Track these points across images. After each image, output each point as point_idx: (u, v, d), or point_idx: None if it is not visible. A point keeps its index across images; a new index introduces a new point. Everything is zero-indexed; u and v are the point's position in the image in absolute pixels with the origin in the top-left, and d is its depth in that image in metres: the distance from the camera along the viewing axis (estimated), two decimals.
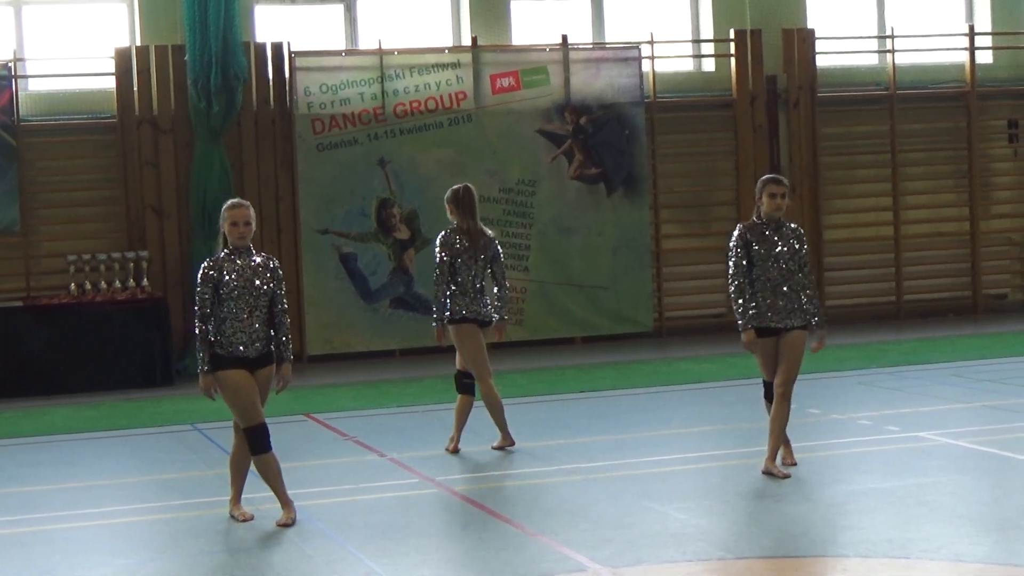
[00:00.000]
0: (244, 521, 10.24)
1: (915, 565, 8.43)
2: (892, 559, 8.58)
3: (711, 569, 8.67)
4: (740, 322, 11.14)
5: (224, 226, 10.15)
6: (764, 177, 11.36)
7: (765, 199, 11.12)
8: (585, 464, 11.81)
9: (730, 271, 11.21)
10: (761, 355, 11.18)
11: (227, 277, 10.05)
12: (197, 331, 10.12)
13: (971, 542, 8.99)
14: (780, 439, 11.17)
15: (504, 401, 12.48)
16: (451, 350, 12.56)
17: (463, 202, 12.29)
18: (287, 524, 10.09)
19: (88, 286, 17.89)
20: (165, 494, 11.57)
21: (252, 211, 10.22)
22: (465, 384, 12.41)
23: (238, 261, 10.11)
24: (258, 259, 10.19)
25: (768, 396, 11.31)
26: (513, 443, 12.43)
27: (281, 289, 10.23)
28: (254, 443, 10.14)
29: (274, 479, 10.22)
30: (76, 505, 11.15)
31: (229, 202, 10.30)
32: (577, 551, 9.03)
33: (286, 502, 10.24)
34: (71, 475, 12.42)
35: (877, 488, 10.50)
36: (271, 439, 10.16)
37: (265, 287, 10.10)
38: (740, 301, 11.09)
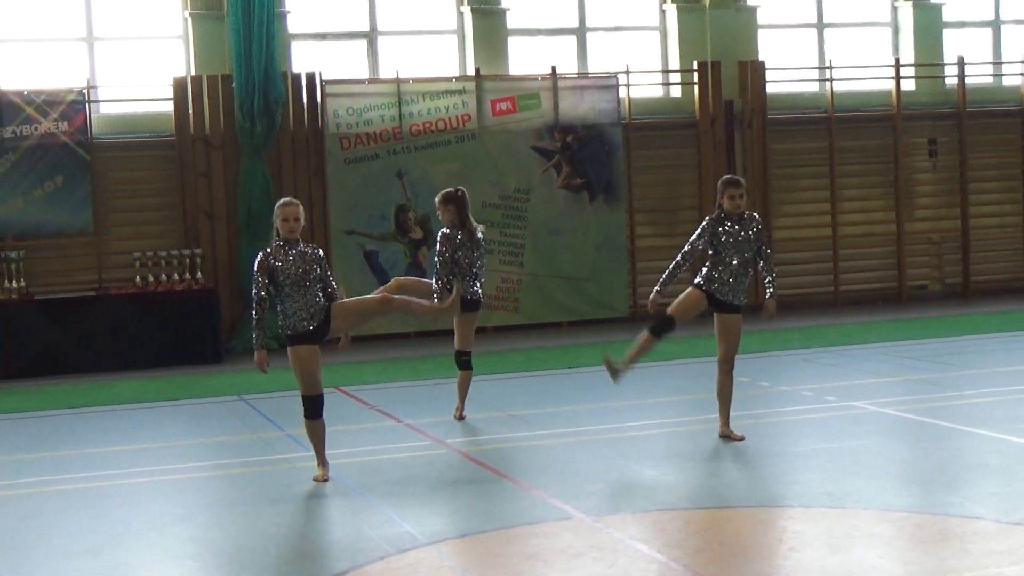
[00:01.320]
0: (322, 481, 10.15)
1: (849, 514, 8.42)
2: (830, 508, 8.57)
3: (678, 517, 8.67)
4: (658, 285, 11.11)
5: (277, 222, 10.08)
6: (724, 179, 11.29)
7: (726, 200, 11.11)
8: (572, 429, 11.81)
9: (683, 248, 11.16)
10: (695, 306, 11.02)
11: (282, 264, 9.99)
12: (253, 313, 10.09)
13: (897, 494, 8.99)
14: (729, 407, 11.13)
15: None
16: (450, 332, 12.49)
17: (463, 202, 12.17)
18: (322, 480, 10.08)
19: (151, 279, 17.86)
20: (215, 455, 11.56)
21: (301, 209, 10.17)
22: (463, 361, 12.36)
23: (291, 251, 10.07)
24: (307, 249, 10.16)
25: (654, 330, 11.08)
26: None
27: (327, 272, 10.19)
28: (311, 409, 10.08)
29: (319, 441, 10.21)
30: (140, 463, 11.14)
31: (282, 200, 10.23)
32: (565, 502, 9.02)
33: (323, 462, 10.23)
34: (135, 438, 12.41)
35: (817, 449, 10.50)
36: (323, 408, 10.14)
37: (315, 270, 10.05)
38: (670, 268, 11.11)
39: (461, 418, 12.37)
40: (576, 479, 9.75)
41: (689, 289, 11.10)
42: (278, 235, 10.09)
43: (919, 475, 9.65)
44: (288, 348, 10.07)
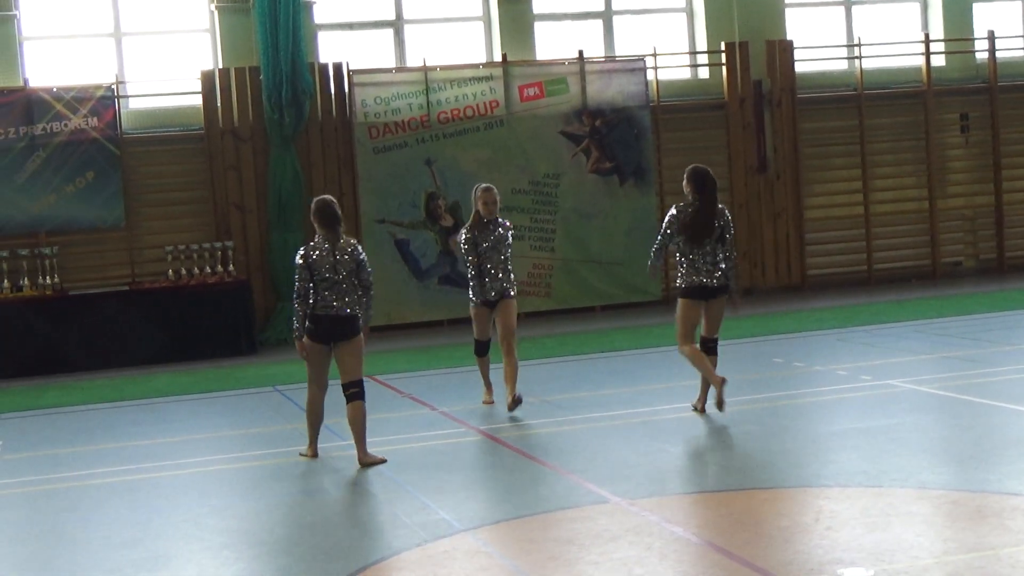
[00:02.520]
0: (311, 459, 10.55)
1: (886, 492, 8.38)
2: (867, 488, 8.53)
3: (713, 499, 8.65)
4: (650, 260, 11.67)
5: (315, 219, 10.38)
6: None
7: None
8: (606, 413, 11.79)
9: (657, 239, 11.54)
10: (693, 316, 11.29)
11: (318, 257, 10.24)
12: (295, 304, 10.26)
13: (934, 472, 8.95)
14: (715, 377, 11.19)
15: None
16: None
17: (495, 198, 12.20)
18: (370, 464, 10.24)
19: (183, 272, 17.92)
20: (250, 445, 11.59)
21: (338, 207, 10.47)
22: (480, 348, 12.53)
23: (327, 245, 10.29)
24: (348, 244, 10.39)
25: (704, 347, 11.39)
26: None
27: (363, 262, 10.41)
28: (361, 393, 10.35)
29: (360, 425, 10.31)
30: (175, 455, 11.19)
31: (319, 199, 10.51)
32: (600, 486, 9.01)
33: (363, 447, 10.34)
34: (171, 431, 12.47)
35: (853, 428, 10.45)
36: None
37: (351, 263, 10.29)
38: (652, 256, 11.58)
39: (491, 403, 12.49)
40: (611, 463, 9.73)
41: (678, 304, 11.37)
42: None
43: (956, 452, 9.60)
44: (359, 335, 10.34)
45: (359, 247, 10.52)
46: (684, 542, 7.58)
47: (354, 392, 10.33)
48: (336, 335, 10.30)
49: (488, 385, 12.65)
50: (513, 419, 11.75)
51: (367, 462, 10.23)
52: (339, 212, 10.46)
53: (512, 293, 12.18)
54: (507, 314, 12.11)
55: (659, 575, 6.98)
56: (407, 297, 18.93)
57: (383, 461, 10.27)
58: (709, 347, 11.36)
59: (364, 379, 10.47)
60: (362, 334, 10.43)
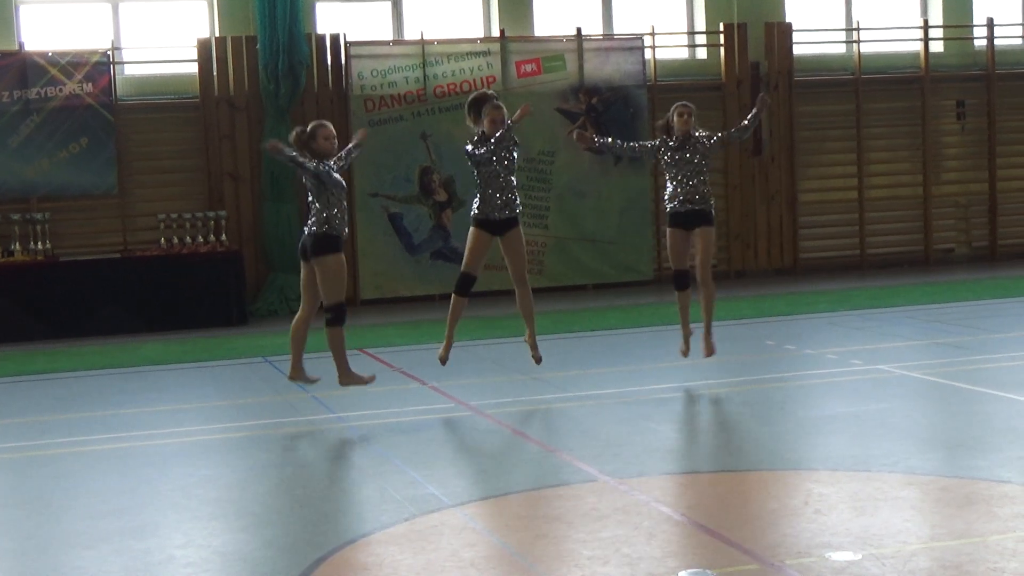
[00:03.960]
0: (312, 382, 11.25)
1: (876, 477, 8.39)
2: (856, 472, 8.53)
3: (702, 480, 8.64)
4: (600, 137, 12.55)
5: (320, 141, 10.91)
6: (676, 105, 12.21)
7: (676, 120, 12.06)
8: (596, 391, 11.78)
9: (634, 145, 12.49)
10: (681, 244, 12.09)
11: (323, 168, 10.75)
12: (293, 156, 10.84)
13: (923, 457, 8.95)
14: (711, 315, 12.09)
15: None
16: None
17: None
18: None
19: (175, 240, 17.87)
20: (239, 415, 11.58)
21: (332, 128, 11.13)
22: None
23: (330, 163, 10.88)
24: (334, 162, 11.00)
25: (679, 284, 12.05)
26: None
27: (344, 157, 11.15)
28: (342, 317, 10.86)
29: (332, 350, 10.96)
30: (165, 424, 11.16)
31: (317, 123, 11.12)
32: (589, 464, 9.00)
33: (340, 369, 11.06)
34: (161, 399, 12.45)
35: (843, 412, 10.46)
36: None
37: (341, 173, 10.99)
38: (621, 144, 12.61)
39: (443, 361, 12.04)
40: (600, 442, 9.72)
41: (668, 233, 12.14)
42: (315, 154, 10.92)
43: (946, 439, 9.60)
44: (331, 255, 10.69)
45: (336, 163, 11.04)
46: (672, 522, 7.57)
47: (326, 317, 10.83)
48: (308, 254, 10.83)
49: (450, 337, 11.87)
50: (503, 395, 11.73)
51: (345, 383, 11.02)
52: (312, 131, 10.97)
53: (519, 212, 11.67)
54: (518, 245, 11.67)
55: (647, 555, 6.97)
56: (399, 271, 18.91)
57: (367, 381, 11.04)
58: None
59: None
60: (335, 256, 10.72)
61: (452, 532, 7.60)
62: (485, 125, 11.48)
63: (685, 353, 12.24)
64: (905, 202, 21.32)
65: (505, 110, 11.65)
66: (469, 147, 11.58)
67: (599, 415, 10.75)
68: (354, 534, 7.65)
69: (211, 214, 18.05)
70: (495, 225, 11.63)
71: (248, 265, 18.16)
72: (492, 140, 11.44)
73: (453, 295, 11.80)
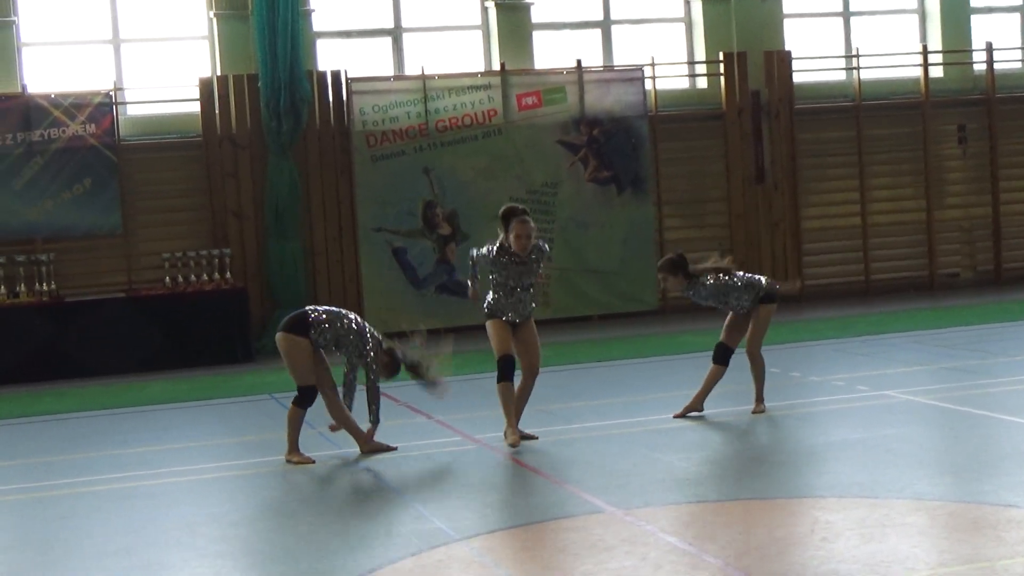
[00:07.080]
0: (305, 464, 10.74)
1: (882, 503, 8.37)
2: (863, 499, 8.52)
3: (709, 509, 8.63)
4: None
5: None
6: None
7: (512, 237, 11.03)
8: (602, 422, 11.77)
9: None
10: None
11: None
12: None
13: (930, 483, 8.93)
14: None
15: None
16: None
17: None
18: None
19: (180, 279, 17.91)
20: (246, 453, 11.58)
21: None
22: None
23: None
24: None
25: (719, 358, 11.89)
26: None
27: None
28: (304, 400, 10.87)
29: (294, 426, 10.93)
30: (171, 463, 11.16)
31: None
32: (595, 496, 9.00)
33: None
34: (166, 438, 12.45)
35: (849, 439, 10.44)
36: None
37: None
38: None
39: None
40: (606, 473, 9.71)
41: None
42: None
43: (952, 464, 9.59)
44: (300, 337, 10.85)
45: None
46: (679, 552, 7.56)
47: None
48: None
49: (513, 418, 11.01)
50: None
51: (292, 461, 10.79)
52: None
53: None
54: (532, 337, 11.21)
55: None
56: (404, 305, 18.90)
57: (310, 461, 10.75)
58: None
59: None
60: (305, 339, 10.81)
61: (459, 566, 7.59)
62: (511, 240, 10.93)
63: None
64: (908, 227, 21.33)
65: (532, 225, 10.99)
66: (484, 250, 11.11)
67: (604, 446, 10.74)
68: (361, 569, 7.64)
69: (215, 252, 18.09)
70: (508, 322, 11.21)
71: (253, 302, 18.18)
72: (514, 258, 10.98)
73: (498, 385, 11.01)
